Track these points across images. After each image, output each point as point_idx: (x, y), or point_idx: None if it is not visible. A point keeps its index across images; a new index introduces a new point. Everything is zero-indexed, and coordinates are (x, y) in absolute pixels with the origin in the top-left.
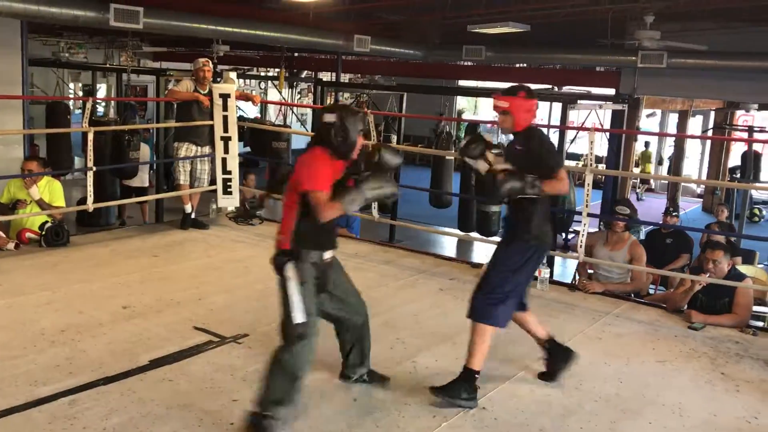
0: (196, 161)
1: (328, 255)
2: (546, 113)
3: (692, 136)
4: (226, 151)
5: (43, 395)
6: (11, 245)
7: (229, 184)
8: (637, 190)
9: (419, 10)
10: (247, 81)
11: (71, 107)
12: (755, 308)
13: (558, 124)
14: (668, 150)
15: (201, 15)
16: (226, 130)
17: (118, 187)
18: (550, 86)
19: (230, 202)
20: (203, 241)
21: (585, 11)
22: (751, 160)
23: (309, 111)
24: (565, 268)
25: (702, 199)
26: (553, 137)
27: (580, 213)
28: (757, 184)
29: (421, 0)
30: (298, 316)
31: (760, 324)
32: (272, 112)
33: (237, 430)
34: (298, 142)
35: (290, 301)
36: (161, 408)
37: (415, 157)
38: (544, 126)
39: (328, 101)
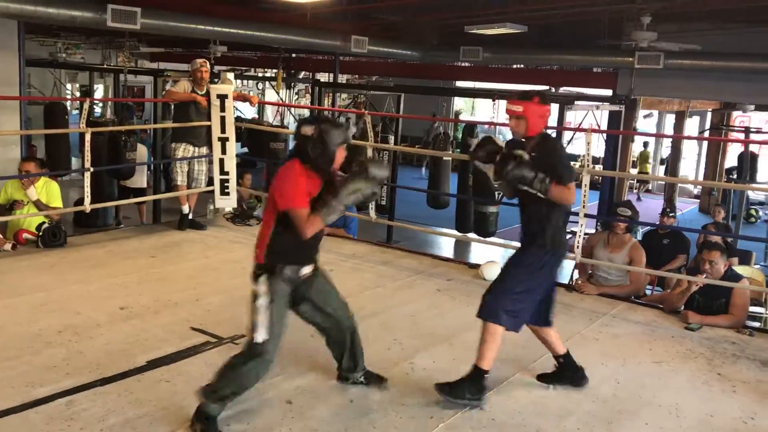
0: (193, 162)
1: (306, 270)
2: None
3: (689, 137)
4: (224, 151)
5: (40, 396)
6: (8, 246)
7: (226, 184)
8: (635, 191)
9: (417, 11)
10: (245, 82)
11: (68, 108)
12: (751, 309)
13: (555, 125)
14: (665, 151)
15: (198, 16)
16: (223, 130)
17: (116, 187)
18: (547, 87)
19: (228, 203)
20: (201, 241)
21: (582, 12)
22: (747, 160)
23: (306, 112)
24: (562, 268)
25: (699, 200)
26: None
27: (576, 214)
28: (754, 185)
29: (419, 1)
30: (261, 335)
31: (757, 324)
32: (270, 113)
33: (234, 431)
34: None
35: (257, 318)
36: (158, 409)
37: (413, 158)
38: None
39: (326, 102)
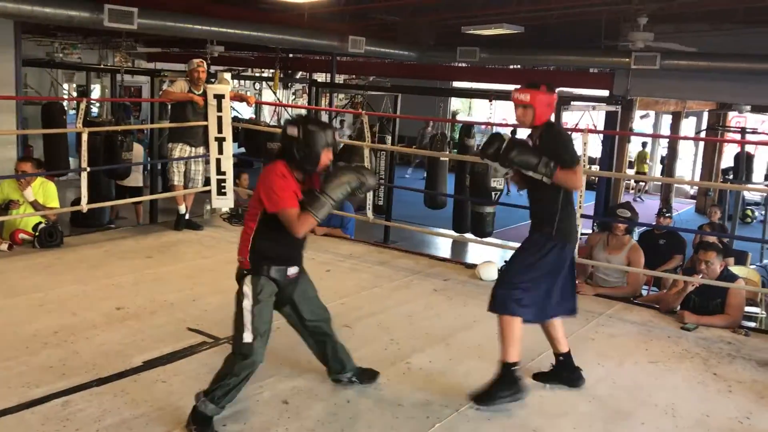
0: (190, 162)
1: (292, 271)
2: None
3: (685, 138)
4: (221, 151)
5: (36, 397)
6: (4, 246)
7: (223, 184)
8: (632, 191)
9: (414, 12)
10: (242, 82)
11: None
12: (747, 309)
13: None
14: (661, 151)
15: (195, 16)
16: (220, 130)
17: (114, 187)
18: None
19: (225, 203)
20: (197, 242)
21: (579, 13)
22: (743, 161)
23: (304, 112)
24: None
25: (695, 200)
26: None
27: None
28: (750, 186)
29: (416, 1)
30: (248, 336)
31: (752, 324)
32: (267, 113)
33: (230, 431)
34: None
35: (242, 319)
36: (154, 409)
37: (409, 158)
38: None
39: (323, 102)
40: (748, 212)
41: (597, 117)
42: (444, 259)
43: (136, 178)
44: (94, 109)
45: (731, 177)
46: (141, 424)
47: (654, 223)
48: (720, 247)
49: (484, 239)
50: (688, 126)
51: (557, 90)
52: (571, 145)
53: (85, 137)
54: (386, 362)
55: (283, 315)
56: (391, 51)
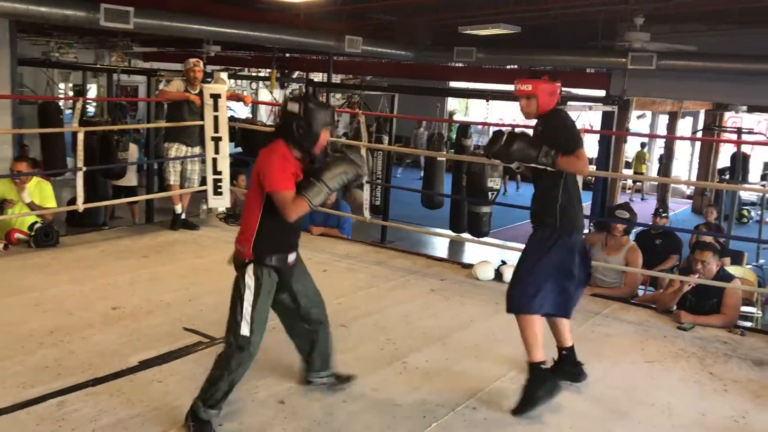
0: (186, 162)
1: (292, 258)
2: None
3: (682, 138)
4: (217, 151)
5: (32, 397)
6: (0, 246)
7: (219, 184)
8: (628, 190)
9: (410, 11)
10: (238, 81)
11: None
12: (743, 308)
13: None
14: (658, 151)
15: (192, 15)
16: (216, 130)
17: (110, 187)
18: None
19: (221, 203)
20: (193, 242)
21: (575, 13)
22: (739, 161)
23: None
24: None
25: (691, 200)
26: None
27: None
28: (746, 186)
29: (413, 1)
30: (245, 328)
31: (748, 324)
32: (263, 113)
33: (227, 430)
34: None
35: (241, 311)
36: (150, 409)
37: (401, 159)
38: (532, 127)
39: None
40: (745, 212)
41: (594, 117)
42: (441, 259)
43: (129, 178)
44: (91, 109)
45: (727, 177)
46: (137, 424)
47: (650, 223)
48: (716, 247)
49: (481, 239)
50: (684, 126)
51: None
52: (573, 131)
53: (81, 137)
54: (383, 362)
55: (277, 304)
56: (388, 51)
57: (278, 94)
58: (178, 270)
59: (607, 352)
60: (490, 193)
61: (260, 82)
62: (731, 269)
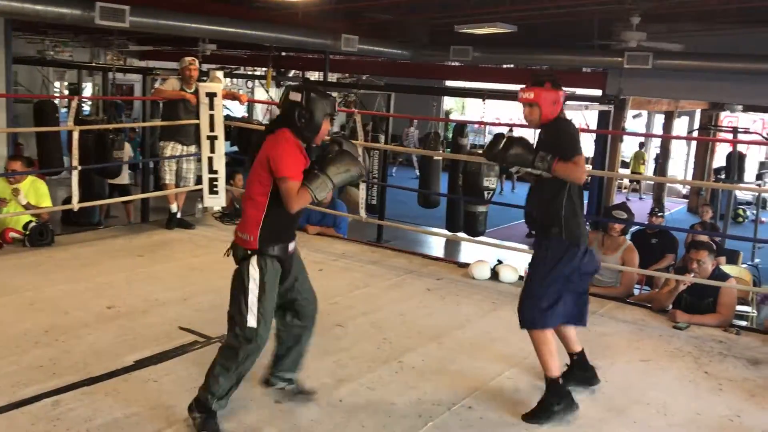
0: (182, 160)
1: (292, 246)
2: None
3: (678, 137)
4: (213, 150)
5: (26, 396)
6: None
7: (215, 183)
8: (624, 190)
9: (407, 10)
10: (234, 80)
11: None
12: (739, 308)
13: None
14: (654, 151)
15: (188, 14)
16: (212, 129)
17: (107, 186)
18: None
19: (216, 202)
20: (189, 241)
21: (571, 13)
22: (735, 160)
23: None
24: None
25: (687, 200)
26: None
27: None
28: (742, 185)
29: (409, 0)
30: (252, 320)
31: (744, 323)
32: (259, 112)
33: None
34: None
35: (246, 303)
36: (146, 408)
37: (395, 158)
38: (528, 127)
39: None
40: (740, 211)
41: (590, 116)
42: (437, 259)
43: (122, 176)
44: (86, 108)
45: (723, 176)
46: (132, 423)
47: (646, 223)
48: (712, 246)
49: (477, 238)
50: (680, 125)
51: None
52: (573, 138)
53: (76, 135)
54: (379, 361)
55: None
56: (384, 49)
57: (274, 93)
58: (173, 269)
59: (603, 351)
60: (486, 193)
61: (256, 81)
62: (727, 268)
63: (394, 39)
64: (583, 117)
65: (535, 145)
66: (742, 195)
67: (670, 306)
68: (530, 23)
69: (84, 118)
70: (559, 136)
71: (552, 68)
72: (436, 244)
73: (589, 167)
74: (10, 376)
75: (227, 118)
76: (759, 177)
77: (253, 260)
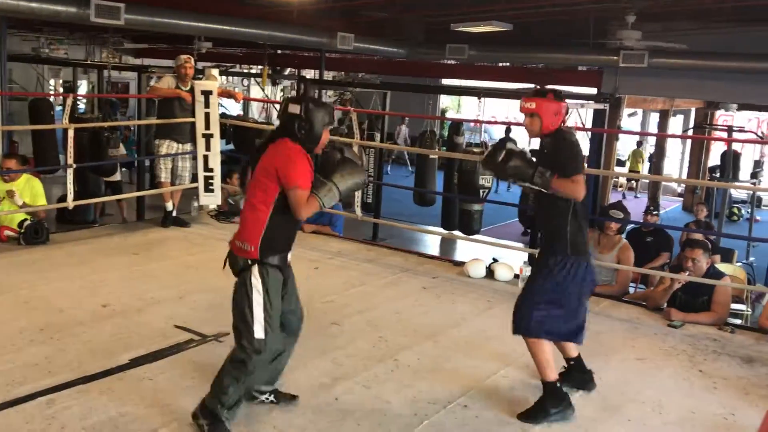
0: (177, 158)
1: (290, 256)
2: None
3: (673, 136)
4: (208, 148)
5: (21, 395)
6: None
7: (210, 181)
8: (620, 188)
9: (403, 8)
10: (230, 78)
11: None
12: (733, 306)
13: None
14: (649, 149)
15: (183, 11)
16: (208, 127)
17: (103, 184)
18: (532, 85)
19: (212, 200)
20: (185, 239)
21: (567, 11)
22: (730, 159)
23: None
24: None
25: (682, 198)
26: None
27: None
28: (737, 184)
29: None
30: (258, 332)
31: (738, 322)
32: (255, 110)
33: None
34: None
35: (252, 314)
36: (141, 407)
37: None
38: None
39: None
40: (735, 210)
41: (585, 115)
42: (433, 257)
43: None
44: (81, 106)
45: (718, 175)
46: (127, 422)
47: (641, 221)
48: (707, 244)
49: (472, 237)
50: (675, 124)
51: (546, 88)
52: (573, 155)
53: (71, 133)
54: (374, 359)
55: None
56: (380, 47)
57: (270, 91)
58: (169, 267)
59: (598, 349)
60: (481, 191)
61: (252, 79)
62: (721, 267)
63: (390, 37)
64: (579, 115)
65: (534, 155)
66: (736, 193)
67: (665, 304)
68: (526, 21)
69: (79, 116)
70: (559, 151)
71: (548, 66)
72: (431, 242)
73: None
74: (5, 375)
75: (223, 116)
76: (754, 175)
77: (254, 270)
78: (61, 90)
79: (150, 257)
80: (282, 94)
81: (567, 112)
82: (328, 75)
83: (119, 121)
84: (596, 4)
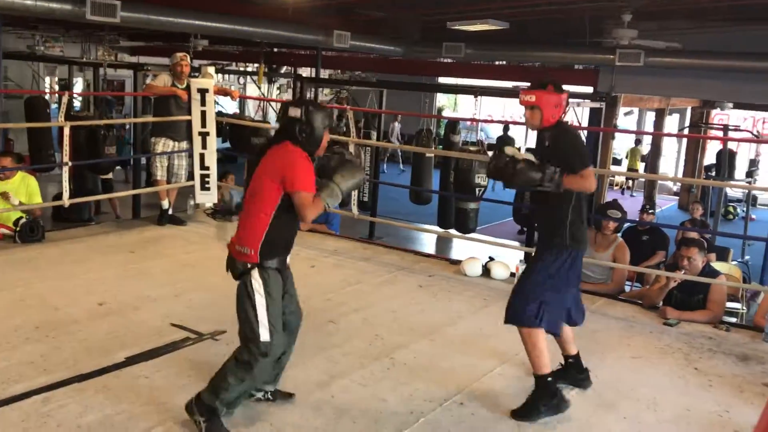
0: (173, 156)
1: (289, 258)
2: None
3: (669, 135)
4: (204, 146)
5: (17, 393)
6: None
7: (207, 179)
8: (616, 187)
9: (399, 7)
10: (226, 76)
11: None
12: (728, 304)
13: None
14: (645, 148)
15: (179, 9)
16: (204, 125)
17: (101, 182)
18: (528, 84)
19: (208, 198)
20: (181, 237)
21: (563, 10)
22: (726, 158)
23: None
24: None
25: (678, 197)
26: (531, 135)
27: None
28: (732, 182)
29: None
30: (264, 335)
31: (733, 320)
32: (251, 108)
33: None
34: None
35: (256, 317)
36: (137, 405)
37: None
38: (522, 124)
39: (308, 97)
40: (730, 209)
41: (581, 113)
42: (429, 255)
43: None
44: (77, 104)
45: (714, 174)
46: (123, 420)
47: (637, 220)
48: (702, 243)
49: (468, 235)
50: (671, 123)
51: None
52: (578, 150)
53: (67, 131)
54: (370, 357)
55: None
56: (377, 46)
57: (266, 89)
58: (165, 265)
59: (594, 347)
60: (477, 190)
61: (248, 77)
62: (717, 265)
63: (386, 35)
64: (575, 114)
65: (534, 149)
66: (732, 192)
67: (661, 303)
68: (522, 20)
69: (75, 114)
70: (563, 147)
71: (544, 65)
72: (427, 240)
73: None
74: (1, 373)
75: (219, 114)
76: (749, 174)
77: (255, 273)
78: (56, 88)
79: (146, 255)
80: (278, 92)
81: (567, 104)
82: (325, 73)
83: (115, 118)
84: (592, 3)
